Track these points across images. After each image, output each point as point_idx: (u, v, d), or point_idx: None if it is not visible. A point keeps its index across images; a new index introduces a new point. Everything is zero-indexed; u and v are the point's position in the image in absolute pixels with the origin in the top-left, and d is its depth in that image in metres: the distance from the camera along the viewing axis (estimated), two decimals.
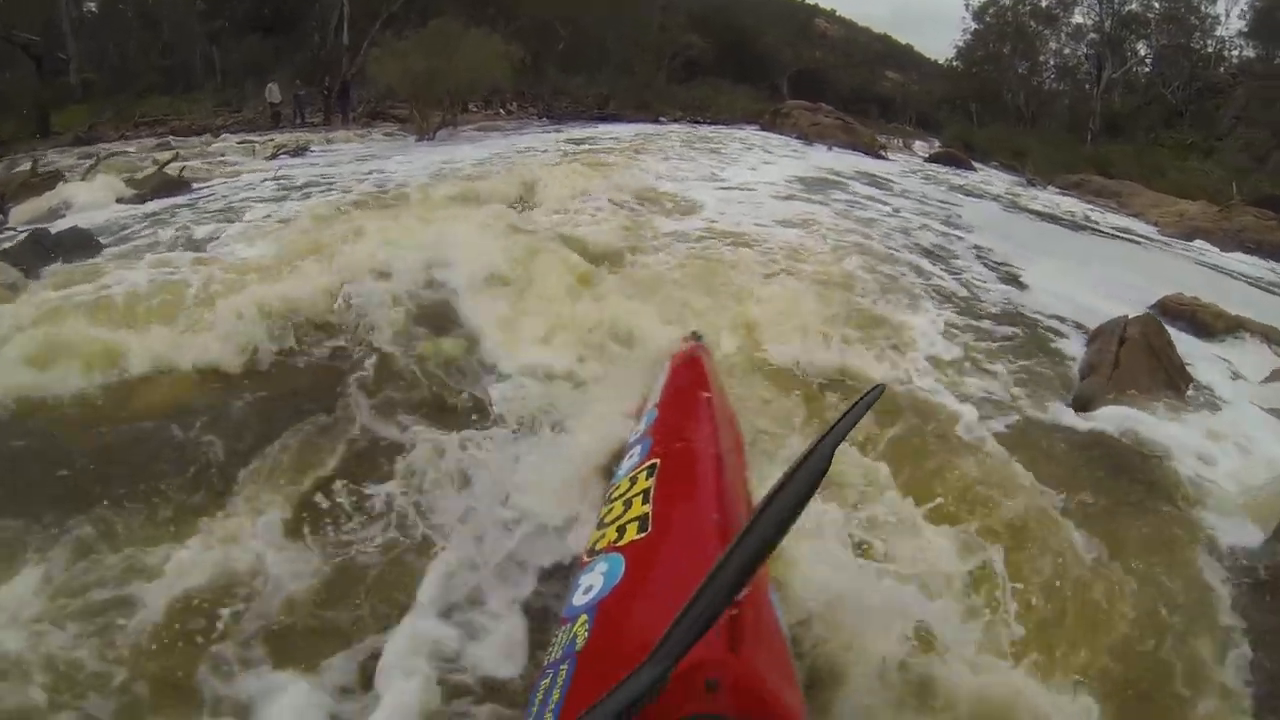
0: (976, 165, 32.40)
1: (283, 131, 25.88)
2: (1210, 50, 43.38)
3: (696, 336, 4.21)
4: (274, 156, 16.87)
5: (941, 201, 16.78)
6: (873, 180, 19.23)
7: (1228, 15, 42.83)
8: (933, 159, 33.49)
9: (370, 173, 14.36)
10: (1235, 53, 43.32)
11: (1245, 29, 42.02)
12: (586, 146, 19.91)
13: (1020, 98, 51.04)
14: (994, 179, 29.11)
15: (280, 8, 34.70)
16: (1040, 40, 51.13)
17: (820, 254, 9.09)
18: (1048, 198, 24.41)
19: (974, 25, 54.02)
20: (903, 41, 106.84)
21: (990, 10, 52.52)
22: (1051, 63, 51.69)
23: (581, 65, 44.30)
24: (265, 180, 13.40)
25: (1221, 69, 42.75)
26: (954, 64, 58.40)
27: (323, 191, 12.27)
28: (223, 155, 17.92)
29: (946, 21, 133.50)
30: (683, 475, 2.44)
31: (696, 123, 39.82)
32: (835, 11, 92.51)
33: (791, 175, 16.51)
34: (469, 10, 30.69)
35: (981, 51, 53.80)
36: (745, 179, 15.37)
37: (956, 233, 12.64)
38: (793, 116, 35.55)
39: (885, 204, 14.73)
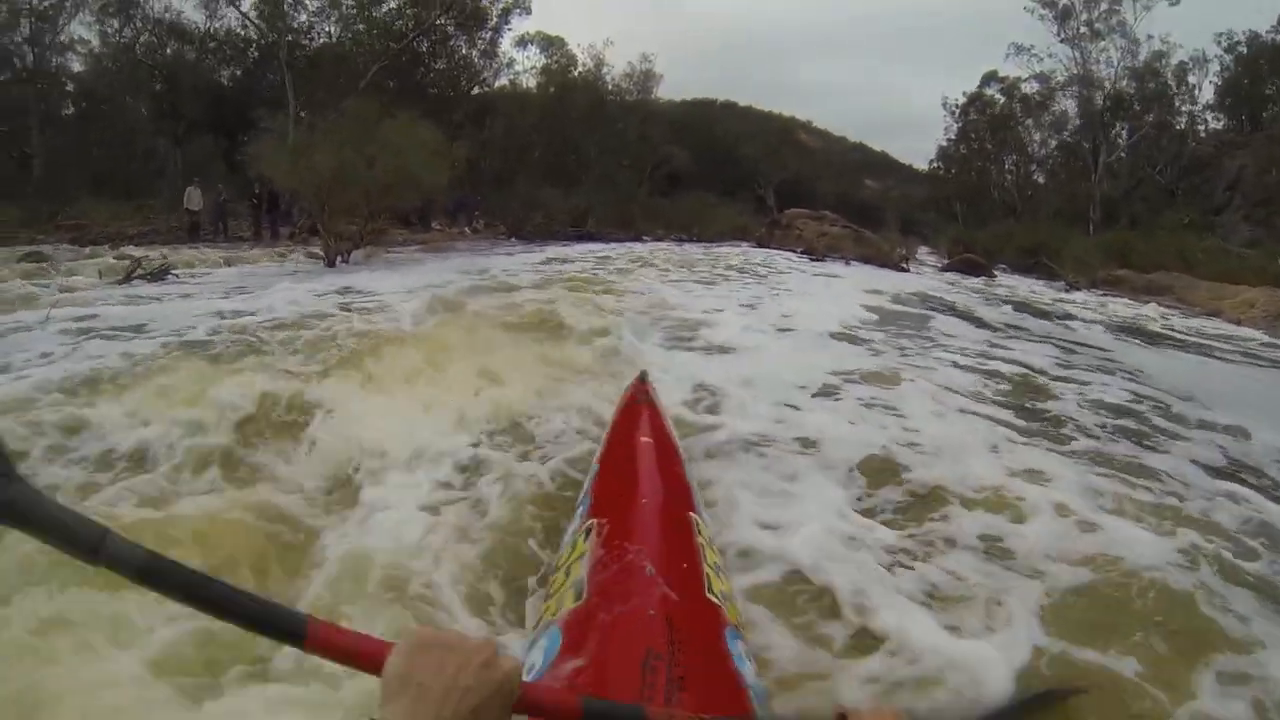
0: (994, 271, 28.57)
1: (198, 245, 21.12)
2: (1183, 126, 42.53)
3: (643, 377, 3.81)
4: (127, 279, 12.91)
5: (1042, 335, 11.66)
6: (929, 302, 15.05)
7: (1199, 88, 42.65)
8: (949, 268, 29.14)
9: (197, 321, 8.33)
10: (1201, 127, 42.95)
11: (1212, 101, 42.20)
12: (559, 275, 15.17)
13: (1010, 192, 49.02)
14: (1024, 285, 25.29)
15: (241, 105, 30.83)
16: (1025, 131, 49.27)
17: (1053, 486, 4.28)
18: (1112, 306, 19.89)
19: (955, 124, 53.28)
20: (877, 149, 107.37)
21: (973, 106, 51.30)
22: (1041, 153, 49.65)
23: (559, 177, 40.13)
24: (45, 319, 8.26)
25: (1193, 143, 41.36)
26: (936, 166, 57.26)
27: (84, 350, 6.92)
28: (75, 273, 13.83)
29: (918, 126, 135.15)
30: (621, 535, 2.15)
31: (682, 240, 35.62)
32: (811, 122, 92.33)
33: (840, 312, 11.55)
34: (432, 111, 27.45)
35: (965, 149, 52.64)
36: (798, 320, 10.38)
37: (1134, 392, 7.34)
38: (795, 228, 30.91)
39: (1004, 348, 9.74)
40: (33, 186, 27.26)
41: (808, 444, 4.81)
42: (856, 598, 2.97)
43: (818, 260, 24.81)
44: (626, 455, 2.89)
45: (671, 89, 59.12)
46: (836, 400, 6.10)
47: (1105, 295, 22.82)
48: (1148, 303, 20.46)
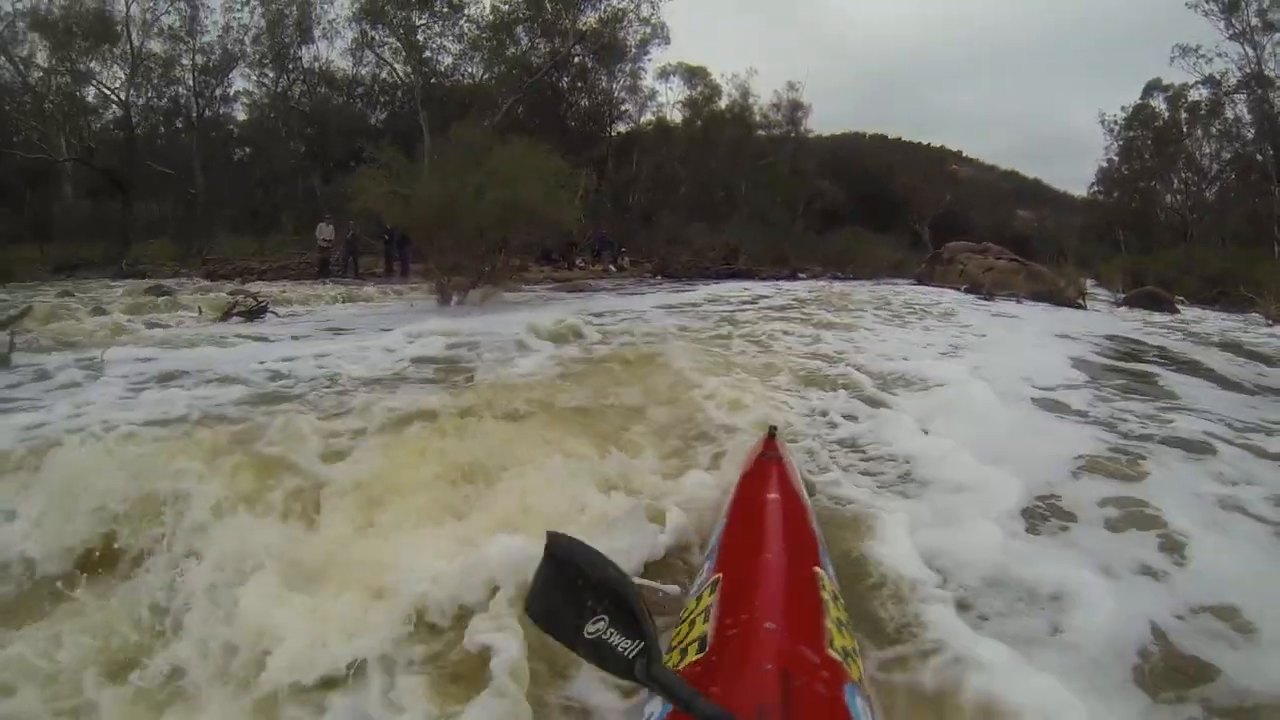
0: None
1: (326, 281, 20.88)
2: None
3: (772, 433, 3.58)
4: (225, 317, 12.40)
5: None
6: (1135, 349, 12.30)
7: None
8: (1127, 302, 25.79)
9: (239, 372, 6.81)
10: None
11: None
12: (708, 323, 13.20)
13: (1179, 214, 44.80)
14: (1215, 320, 21.90)
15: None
16: (1194, 144, 44.20)
17: None
18: None
19: (1116, 143, 48.97)
20: (1029, 176, 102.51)
21: (1136, 119, 46.90)
22: (1214, 167, 44.07)
23: (708, 213, 38.49)
24: (99, 360, 7.38)
25: None
26: (1095, 190, 53.51)
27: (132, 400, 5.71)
28: (180, 308, 13.82)
29: (1071, 149, 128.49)
30: (744, 588, 2.13)
31: (838, 278, 33.45)
32: (961, 151, 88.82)
33: (1037, 367, 9.31)
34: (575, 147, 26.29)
35: (1127, 169, 48.47)
36: (992, 380, 8.27)
37: None
38: (958, 263, 28.24)
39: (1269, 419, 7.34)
40: (192, 224, 30.10)
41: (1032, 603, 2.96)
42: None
43: (986, 299, 22.34)
44: (753, 510, 2.82)
45: (817, 122, 57.18)
46: (1068, 523, 3.80)
47: None
48: None
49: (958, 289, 25.37)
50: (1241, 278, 26.45)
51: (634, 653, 1.32)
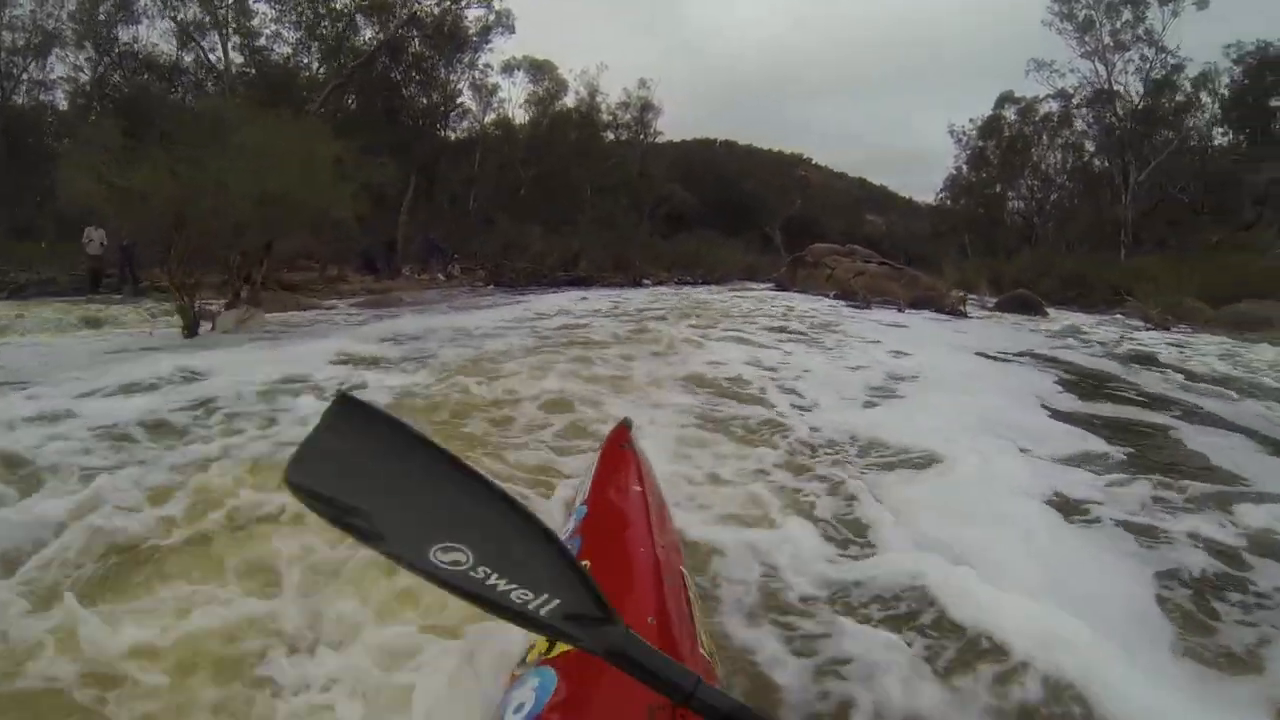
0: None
1: (94, 298, 16.72)
2: (1197, 142, 39.16)
3: (627, 424, 3.38)
4: None
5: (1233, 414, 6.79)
6: (1060, 367, 10.16)
7: (1214, 101, 38.90)
8: (1001, 306, 23.99)
9: None
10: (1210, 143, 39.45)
11: (1218, 114, 38.73)
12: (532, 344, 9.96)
13: (1030, 218, 45.95)
14: (1087, 322, 20.60)
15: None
16: (1041, 153, 45.99)
17: None
18: (1234, 348, 14.92)
19: (964, 152, 50.34)
20: (877, 183, 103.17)
21: (989, 129, 47.91)
22: (1061, 176, 45.69)
23: (549, 217, 35.09)
24: None
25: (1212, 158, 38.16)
26: (943, 197, 54.38)
27: None
28: None
29: (915, 160, 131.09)
30: (616, 578, 1.96)
31: (687, 283, 30.45)
32: (812, 160, 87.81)
33: (986, 403, 6.75)
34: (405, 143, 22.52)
35: (975, 176, 49.76)
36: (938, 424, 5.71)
37: None
38: (824, 266, 25.50)
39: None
40: None
41: None
42: None
43: (862, 307, 19.44)
44: (615, 501, 2.62)
45: (671, 129, 54.45)
46: None
47: (1195, 333, 18.29)
48: (1258, 341, 15.97)
49: (826, 295, 22.52)
50: (1096, 280, 27.02)
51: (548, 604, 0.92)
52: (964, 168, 50.91)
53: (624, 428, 3.33)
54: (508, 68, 39.48)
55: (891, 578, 3.04)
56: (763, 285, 29.50)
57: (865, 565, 3.21)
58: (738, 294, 25.09)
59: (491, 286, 26.18)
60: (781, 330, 13.31)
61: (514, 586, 0.91)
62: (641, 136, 46.24)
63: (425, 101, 35.42)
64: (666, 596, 1.89)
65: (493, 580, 0.90)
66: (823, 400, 6.78)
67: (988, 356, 11.05)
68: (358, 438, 0.88)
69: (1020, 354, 11.56)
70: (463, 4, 32.50)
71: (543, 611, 0.93)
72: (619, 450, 3.03)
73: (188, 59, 31.60)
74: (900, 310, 18.97)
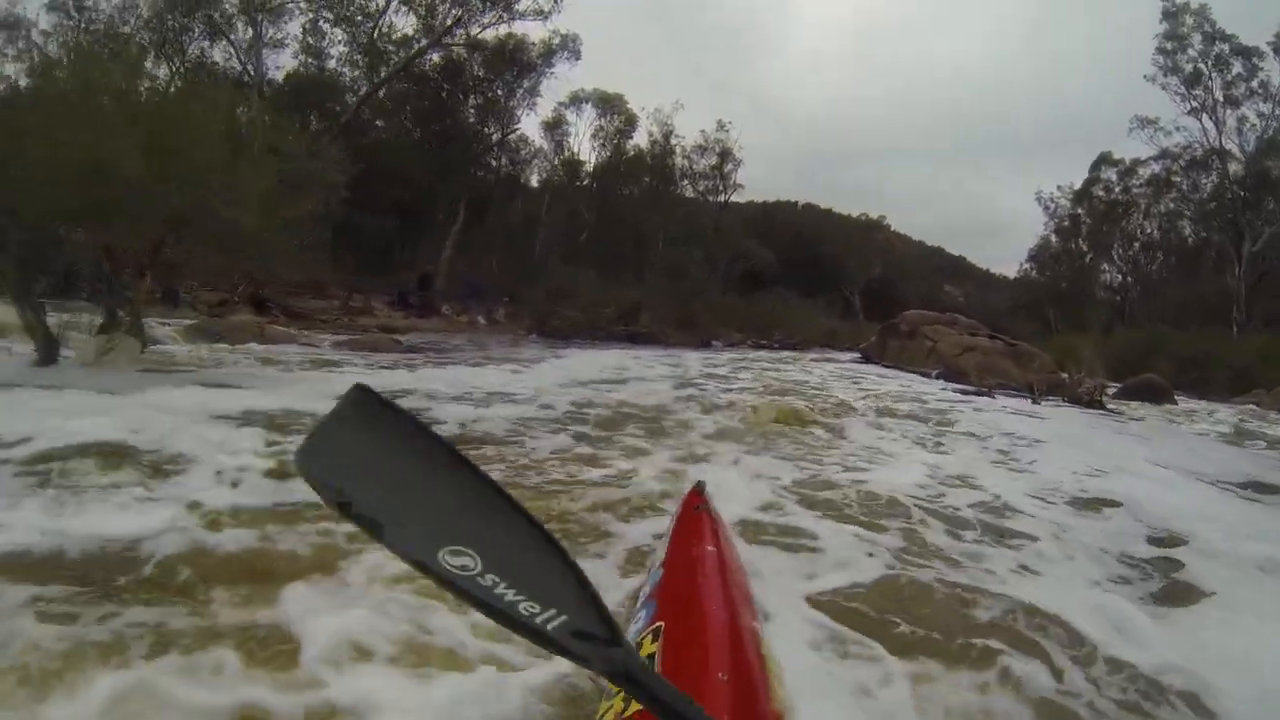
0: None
1: None
2: None
3: (701, 488, 3.26)
4: None
5: None
6: None
7: None
8: (1126, 392, 19.21)
9: None
10: None
11: None
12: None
13: (1123, 291, 42.33)
14: (1231, 415, 16.49)
15: None
16: (1139, 220, 42.30)
17: None
18: None
19: (1052, 221, 46.98)
20: (954, 253, 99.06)
21: (1086, 195, 44.12)
22: (1162, 245, 42.11)
23: (613, 264, 31.53)
24: None
25: None
26: (1027, 268, 51.11)
27: None
28: None
29: (996, 232, 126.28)
30: (689, 638, 1.94)
31: (763, 346, 27.02)
32: (890, 225, 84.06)
33: None
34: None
35: (1062, 245, 46.46)
36: None
37: None
38: (922, 337, 21.20)
39: None
40: None
41: None
42: None
43: (980, 393, 15.14)
44: (690, 562, 2.54)
45: (750, 188, 51.02)
46: None
47: None
48: None
49: (926, 374, 18.30)
50: (1219, 361, 23.53)
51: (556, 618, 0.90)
52: (1052, 237, 47.39)
53: (697, 491, 3.27)
54: (575, 100, 36.39)
55: None
56: (847, 355, 25.50)
57: None
58: (819, 362, 21.11)
59: (534, 335, 22.67)
60: (915, 421, 9.18)
61: (522, 598, 0.88)
62: (721, 188, 42.12)
63: (481, 128, 32.65)
64: (739, 656, 1.86)
65: (500, 589, 0.88)
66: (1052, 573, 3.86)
67: (1209, 482, 6.99)
68: (372, 430, 0.85)
69: (1245, 483, 7.33)
70: (514, 16, 28.86)
71: (550, 626, 0.90)
72: (693, 513, 2.99)
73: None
74: (1035, 401, 14.62)
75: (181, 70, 26.01)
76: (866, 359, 23.27)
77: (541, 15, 28.23)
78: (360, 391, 0.84)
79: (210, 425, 5.33)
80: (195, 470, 4.23)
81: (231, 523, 3.41)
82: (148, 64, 13.42)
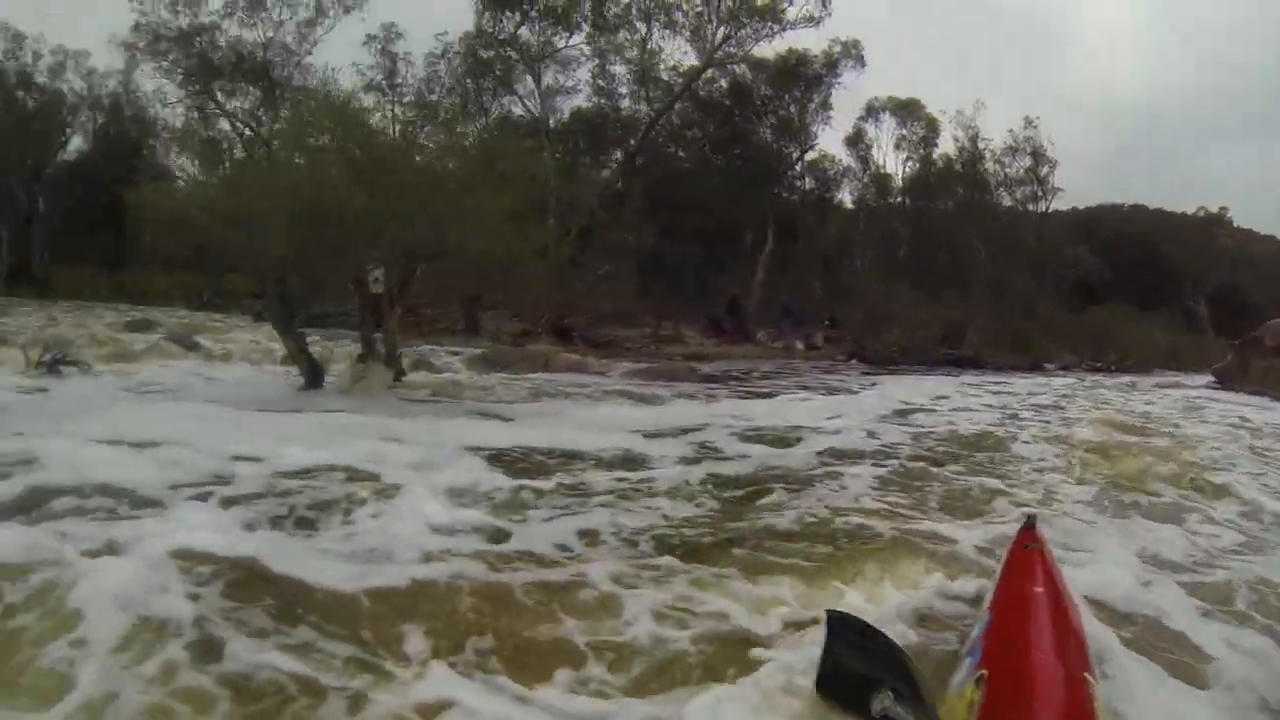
0: None
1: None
2: None
3: (1031, 524, 3.29)
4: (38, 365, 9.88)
5: None
6: None
7: None
8: None
9: None
10: None
11: None
12: None
13: None
14: None
15: None
16: None
17: None
18: None
19: None
20: None
21: None
22: None
23: (927, 282, 30.34)
24: None
25: None
26: None
27: None
28: None
29: None
30: (1013, 689, 2.05)
31: (1098, 369, 25.48)
32: (1231, 219, 74.66)
33: None
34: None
35: None
36: None
37: None
38: None
39: None
40: None
41: None
42: None
43: None
44: (1019, 605, 2.61)
45: (1065, 192, 46.63)
46: None
47: None
48: None
49: None
50: None
51: None
52: None
53: (1028, 528, 3.24)
54: (871, 110, 35.63)
55: None
56: (1197, 379, 22.86)
57: None
58: (1167, 390, 19.16)
59: (854, 361, 22.27)
60: None
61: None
62: (1039, 194, 38.86)
63: (779, 148, 32.90)
64: (1062, 707, 1.93)
65: None
66: None
67: None
68: (860, 651, 1.26)
69: None
70: (784, 26, 28.72)
71: None
72: (1023, 551, 3.00)
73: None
74: None
75: (486, 125, 28.44)
76: (1221, 383, 20.70)
77: (813, 22, 28.21)
78: (834, 614, 1.22)
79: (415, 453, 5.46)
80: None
81: None
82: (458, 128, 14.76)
